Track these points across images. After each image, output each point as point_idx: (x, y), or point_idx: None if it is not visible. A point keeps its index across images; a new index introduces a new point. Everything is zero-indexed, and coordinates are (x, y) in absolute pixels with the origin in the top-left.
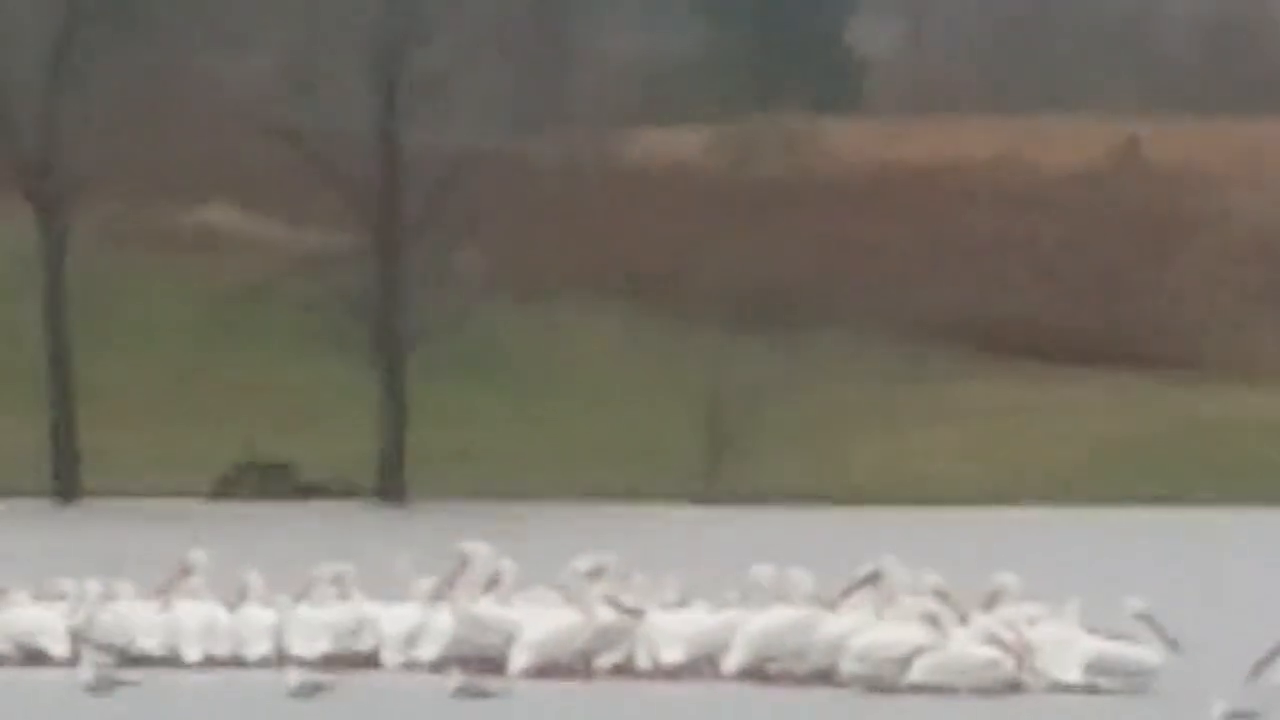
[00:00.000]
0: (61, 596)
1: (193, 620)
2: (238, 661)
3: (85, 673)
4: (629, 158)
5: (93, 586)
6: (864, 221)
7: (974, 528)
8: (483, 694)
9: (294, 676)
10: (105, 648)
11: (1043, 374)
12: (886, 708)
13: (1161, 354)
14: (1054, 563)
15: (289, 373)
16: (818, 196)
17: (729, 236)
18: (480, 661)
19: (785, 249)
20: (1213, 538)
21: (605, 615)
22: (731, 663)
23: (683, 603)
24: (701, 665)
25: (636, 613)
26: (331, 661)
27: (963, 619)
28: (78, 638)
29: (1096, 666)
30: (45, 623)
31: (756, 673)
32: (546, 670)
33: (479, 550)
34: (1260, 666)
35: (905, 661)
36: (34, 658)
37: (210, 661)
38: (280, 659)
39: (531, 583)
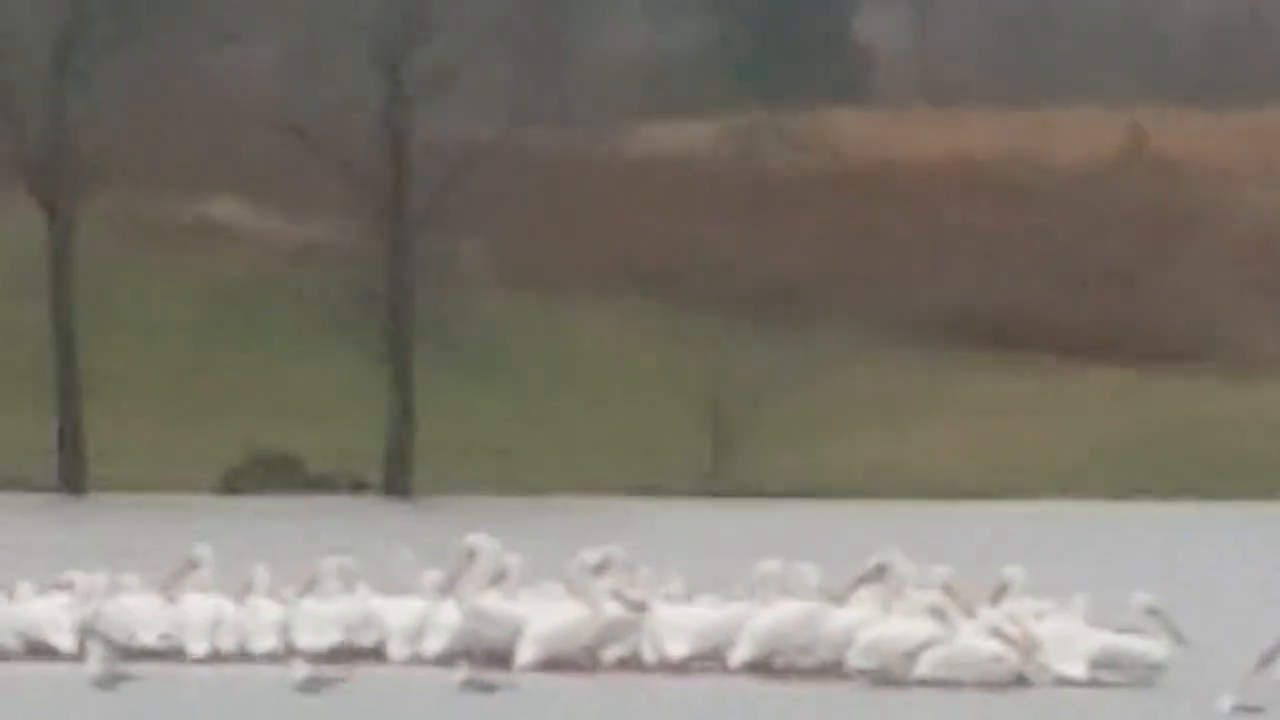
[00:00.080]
0: (67, 589)
1: (199, 614)
2: (244, 655)
3: (91, 666)
4: (633, 151)
5: (99, 580)
6: (868, 215)
7: (978, 523)
8: (489, 688)
9: (300, 670)
10: (111, 642)
11: (1047, 369)
12: (893, 701)
13: (1167, 349)
14: (1057, 558)
15: (295, 367)
16: (822, 190)
17: (733, 230)
18: (486, 655)
19: (789, 243)
20: (1218, 533)
21: (611, 609)
22: (738, 657)
23: (689, 597)
24: (708, 659)
25: (642, 607)
26: (338, 655)
27: (969, 613)
28: (84, 631)
29: (1102, 661)
30: (51, 616)
31: (763, 667)
32: (552, 664)
33: (485, 544)
34: (1264, 660)
35: (912, 655)
36: (40, 651)
37: (216, 655)
38: (286, 653)
39: (537, 577)
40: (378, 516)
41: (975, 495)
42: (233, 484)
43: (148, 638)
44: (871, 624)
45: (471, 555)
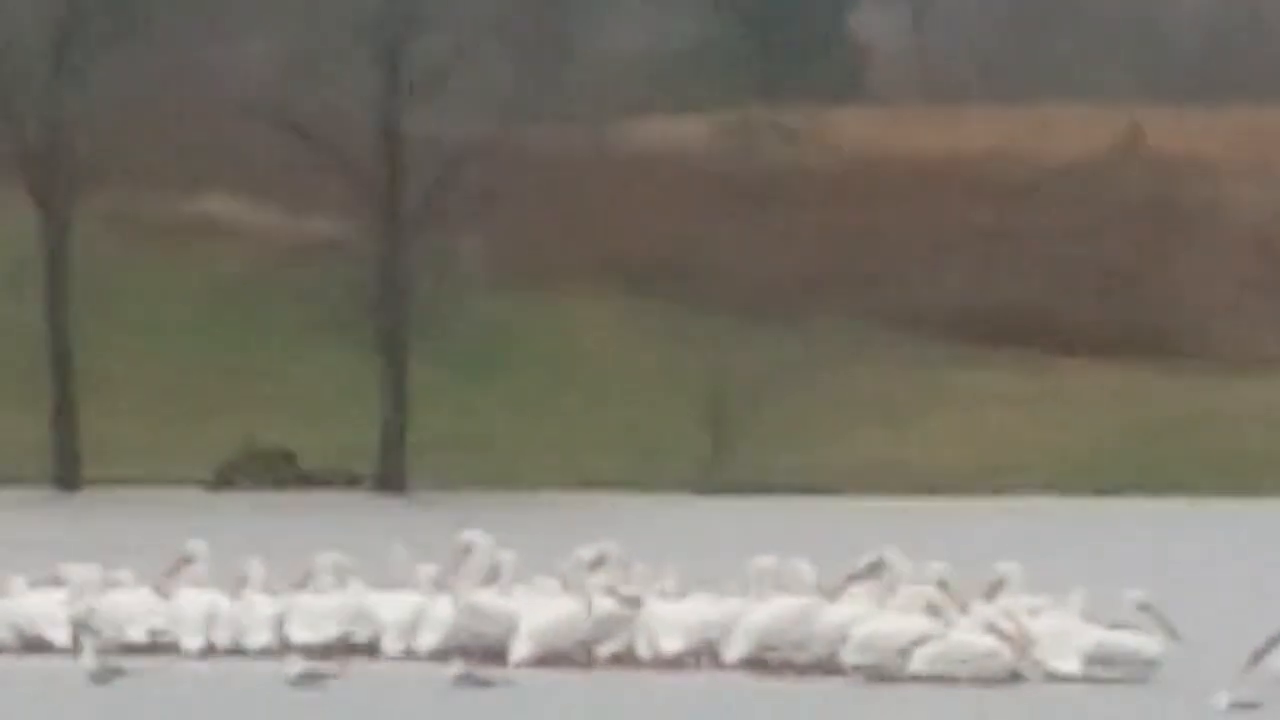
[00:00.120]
0: (62, 584)
1: (194, 609)
2: (238, 650)
3: (86, 661)
4: (631, 149)
5: (93, 575)
6: (866, 213)
7: (974, 518)
8: (483, 683)
9: (295, 665)
10: (106, 636)
11: (1043, 364)
12: (888, 697)
13: (1162, 344)
14: (1054, 553)
15: (290, 362)
16: (819, 186)
17: (730, 227)
18: (481, 651)
19: (787, 239)
20: (1213, 529)
21: (606, 605)
22: (733, 652)
23: (683, 592)
24: (702, 655)
25: (637, 602)
26: (332, 650)
27: (964, 609)
28: (79, 626)
29: (1097, 657)
30: (46, 611)
31: (758, 662)
32: (547, 659)
33: (480, 540)
34: (1257, 656)
35: (907, 651)
36: (35, 646)
37: (211, 650)
38: (281, 648)
39: (532, 572)
40: (372, 512)
41: (973, 492)
42: (228, 479)
43: (142, 633)
44: (866, 620)
45: (466, 551)
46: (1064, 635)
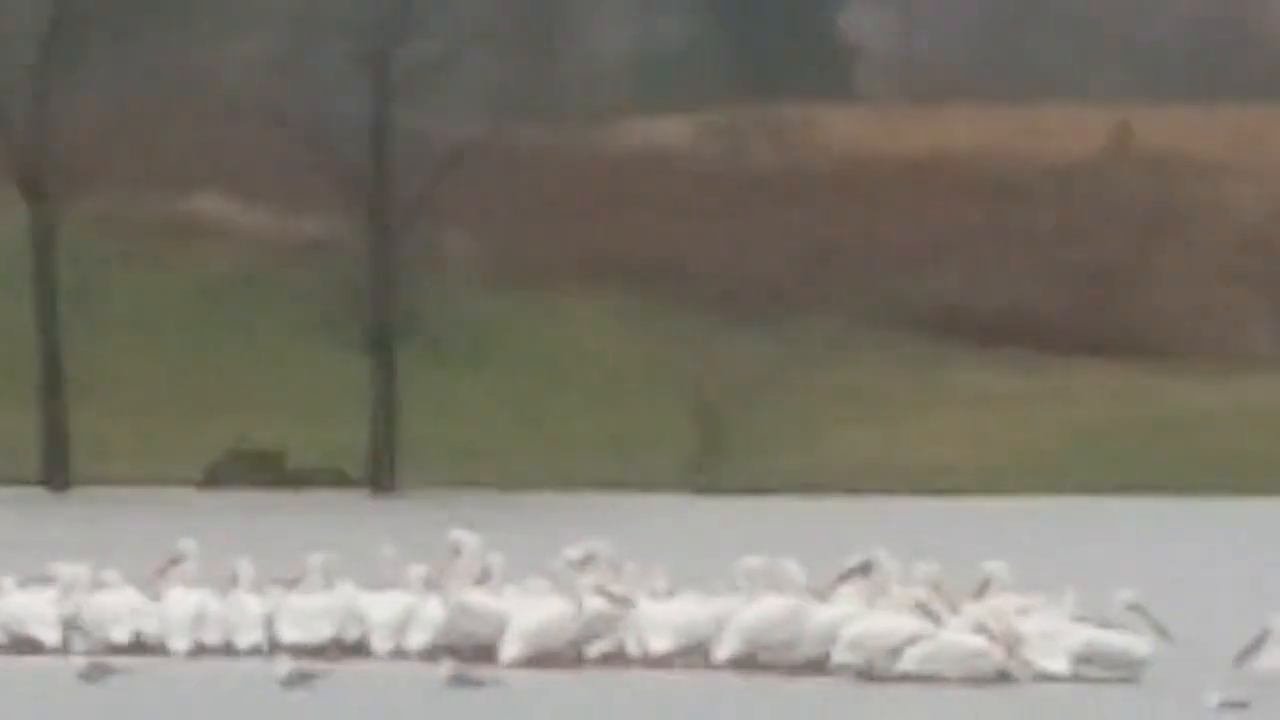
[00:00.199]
0: (51, 583)
1: (183, 608)
2: (228, 649)
3: (76, 660)
4: (620, 148)
5: (83, 574)
6: (855, 210)
7: (965, 517)
8: (473, 683)
9: (284, 665)
10: (96, 635)
11: (1034, 363)
12: (877, 697)
13: (1153, 343)
14: (1044, 552)
15: (280, 362)
16: (809, 185)
17: (721, 226)
18: (471, 650)
19: (777, 238)
20: (1202, 527)
21: (595, 604)
22: (722, 652)
23: (673, 592)
24: (692, 655)
25: (627, 602)
26: (322, 650)
27: (954, 608)
28: (68, 625)
29: (1085, 656)
30: (36, 610)
31: (747, 662)
32: (537, 659)
33: (469, 540)
34: (1244, 655)
35: (896, 651)
36: (24, 645)
37: (200, 649)
38: (271, 647)
39: (522, 572)
40: (362, 511)
41: (964, 490)
42: (217, 479)
43: (132, 632)
44: (856, 620)
45: (456, 550)
46: (1053, 635)
